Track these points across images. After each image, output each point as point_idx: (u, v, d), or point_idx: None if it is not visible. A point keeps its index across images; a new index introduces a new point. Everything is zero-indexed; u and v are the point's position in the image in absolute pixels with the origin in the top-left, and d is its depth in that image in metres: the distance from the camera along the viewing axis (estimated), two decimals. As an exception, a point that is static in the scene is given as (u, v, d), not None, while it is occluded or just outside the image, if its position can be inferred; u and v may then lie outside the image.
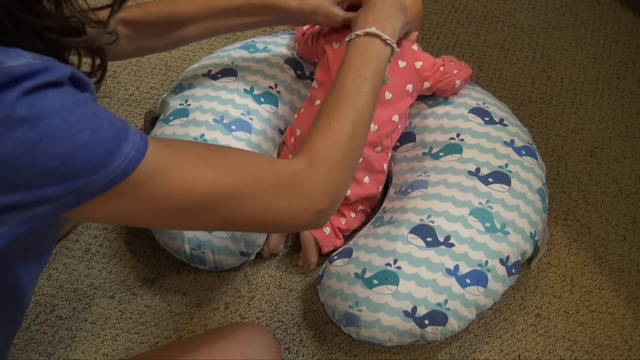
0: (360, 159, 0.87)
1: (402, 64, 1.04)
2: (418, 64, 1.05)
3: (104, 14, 0.57)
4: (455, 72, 1.08)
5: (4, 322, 0.66)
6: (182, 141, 0.62)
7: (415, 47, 1.07)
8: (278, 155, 1.10)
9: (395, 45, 0.84)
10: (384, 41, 0.83)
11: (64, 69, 0.49)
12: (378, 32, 0.83)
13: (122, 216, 0.57)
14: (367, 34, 0.83)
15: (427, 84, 1.06)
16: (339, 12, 0.99)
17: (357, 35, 0.83)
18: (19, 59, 0.47)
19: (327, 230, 1.03)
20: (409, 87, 1.04)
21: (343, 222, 1.04)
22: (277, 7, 0.96)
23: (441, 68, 1.07)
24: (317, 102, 1.04)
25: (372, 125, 0.98)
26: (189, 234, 0.96)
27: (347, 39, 0.85)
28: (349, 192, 1.01)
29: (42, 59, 0.48)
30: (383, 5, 0.89)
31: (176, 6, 0.94)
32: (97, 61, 0.59)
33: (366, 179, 1.03)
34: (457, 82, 1.08)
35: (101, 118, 0.51)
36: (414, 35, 1.07)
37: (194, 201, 0.58)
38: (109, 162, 0.50)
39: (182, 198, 0.57)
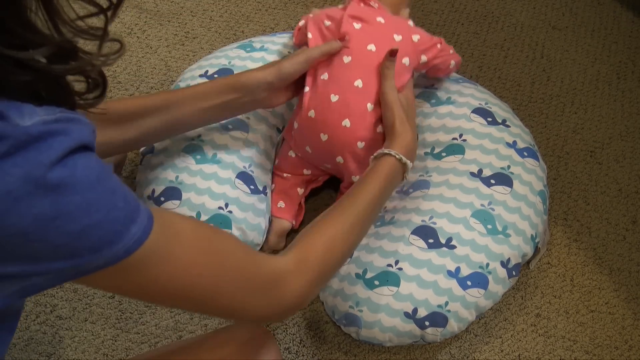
0: None
1: (397, 37, 0.99)
2: (415, 37, 1.01)
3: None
4: (451, 51, 1.07)
5: None
6: (182, 225, 0.59)
7: (410, 23, 1.05)
8: (275, 155, 1.10)
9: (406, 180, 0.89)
10: (404, 174, 0.87)
11: (85, 128, 0.47)
12: (408, 165, 0.87)
13: (111, 289, 0.56)
14: (401, 161, 0.86)
15: (424, 58, 1.02)
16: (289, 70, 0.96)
17: (395, 156, 0.86)
18: (33, 117, 0.44)
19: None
20: (406, 60, 0.99)
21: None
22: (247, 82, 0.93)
23: (438, 45, 1.05)
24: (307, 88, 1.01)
25: (369, 105, 0.97)
26: None
27: (384, 150, 0.86)
28: None
29: (55, 113, 0.46)
30: (413, 132, 0.92)
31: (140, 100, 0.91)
32: (92, 82, 0.56)
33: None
34: (452, 62, 1.07)
35: (118, 195, 0.49)
36: (407, 12, 1.07)
37: (179, 290, 0.58)
38: (115, 242, 0.49)
39: (169, 286, 0.56)
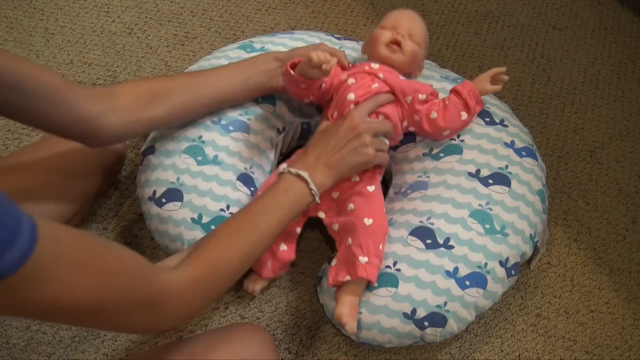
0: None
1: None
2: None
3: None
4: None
5: None
6: (71, 242, 0.57)
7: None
8: (278, 157, 1.10)
9: (317, 198, 0.87)
10: (310, 190, 0.86)
11: None
12: (308, 179, 0.86)
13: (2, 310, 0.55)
14: (299, 175, 0.86)
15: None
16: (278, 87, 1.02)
17: (290, 172, 0.86)
18: None
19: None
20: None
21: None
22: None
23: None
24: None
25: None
26: (188, 236, 0.96)
27: (280, 169, 0.88)
28: None
29: None
30: (331, 147, 0.90)
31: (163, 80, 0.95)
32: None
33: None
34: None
35: None
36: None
37: (63, 309, 0.56)
38: None
39: (55, 305, 0.55)
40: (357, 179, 0.97)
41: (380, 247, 0.92)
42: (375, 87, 0.99)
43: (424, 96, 1.01)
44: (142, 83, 0.93)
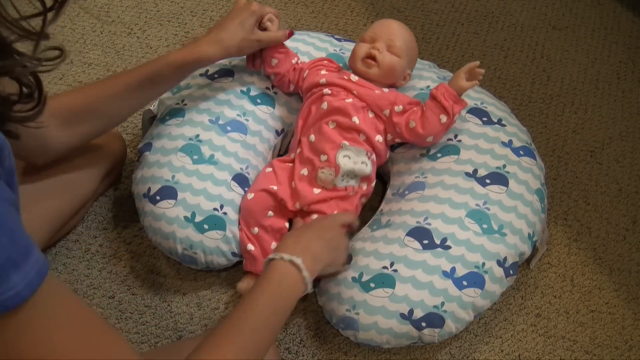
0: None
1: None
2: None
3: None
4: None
5: None
6: (69, 304, 0.52)
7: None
8: (278, 153, 1.10)
9: (310, 286, 0.80)
10: (303, 278, 0.78)
11: None
12: (302, 267, 0.78)
13: None
14: (292, 262, 0.78)
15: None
16: (263, 37, 1.00)
17: (282, 259, 0.78)
18: None
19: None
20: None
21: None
22: (201, 60, 0.97)
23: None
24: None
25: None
26: (180, 234, 0.96)
27: (270, 257, 0.80)
28: None
29: None
30: (316, 237, 0.85)
31: (92, 90, 0.92)
32: (26, 90, 0.51)
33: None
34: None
35: (3, 231, 0.44)
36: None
37: None
38: None
39: None
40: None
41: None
42: (350, 102, 1.01)
43: (401, 107, 1.02)
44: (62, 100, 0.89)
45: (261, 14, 1.00)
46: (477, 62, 0.99)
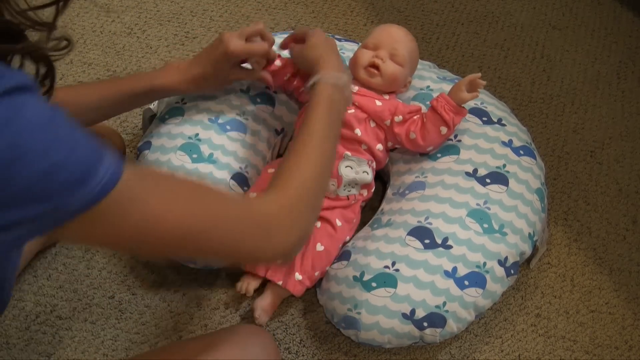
0: None
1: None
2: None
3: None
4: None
5: None
6: (157, 172, 0.61)
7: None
8: (275, 158, 1.10)
9: (350, 91, 0.88)
10: (343, 89, 0.86)
11: (22, 74, 0.47)
12: (343, 84, 0.86)
13: (98, 240, 0.55)
14: (330, 81, 0.85)
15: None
16: (243, 77, 1.01)
17: (326, 82, 0.85)
18: None
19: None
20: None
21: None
22: (175, 92, 0.99)
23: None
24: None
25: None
26: None
27: (314, 79, 0.85)
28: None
29: None
30: (335, 54, 0.91)
31: (68, 94, 0.91)
32: (42, 70, 0.55)
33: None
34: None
35: (78, 136, 0.49)
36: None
37: (164, 233, 0.57)
38: (85, 181, 0.48)
39: (154, 229, 0.56)
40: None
41: (316, 274, 0.98)
42: (352, 113, 1.02)
43: (401, 117, 1.02)
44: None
45: (242, 53, 0.96)
46: (479, 74, 0.98)
